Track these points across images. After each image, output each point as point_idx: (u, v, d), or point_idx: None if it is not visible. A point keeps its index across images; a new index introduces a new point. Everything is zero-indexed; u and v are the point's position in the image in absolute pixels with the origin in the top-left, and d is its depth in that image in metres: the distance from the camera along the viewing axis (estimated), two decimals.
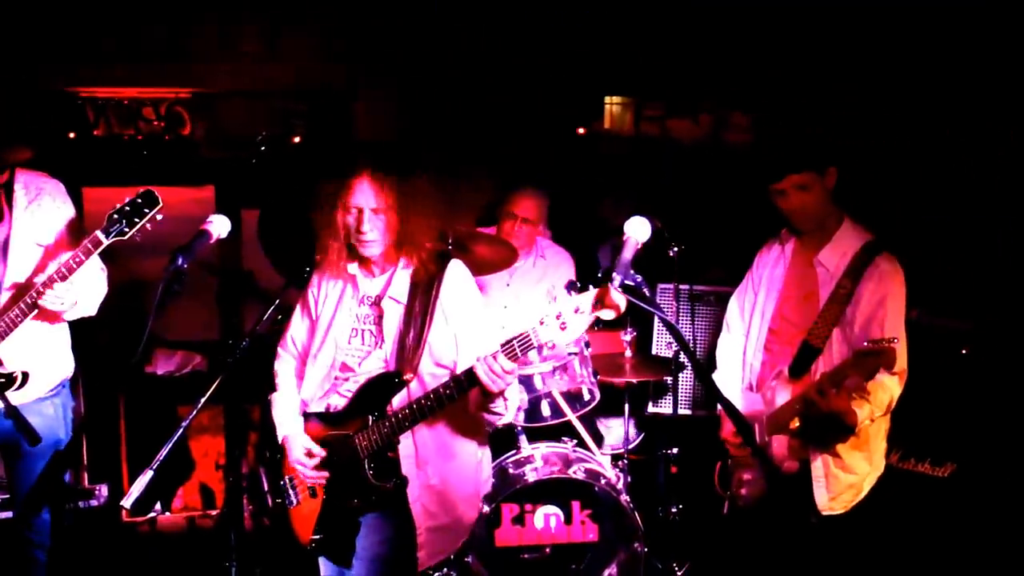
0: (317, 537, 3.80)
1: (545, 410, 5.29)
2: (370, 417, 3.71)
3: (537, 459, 5.14)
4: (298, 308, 4.09)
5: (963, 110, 5.52)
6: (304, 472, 3.83)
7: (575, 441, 5.28)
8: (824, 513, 4.12)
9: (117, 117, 6.81)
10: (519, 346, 3.39)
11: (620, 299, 3.16)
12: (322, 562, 3.93)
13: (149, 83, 6.76)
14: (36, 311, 4.25)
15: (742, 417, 3.66)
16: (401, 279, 3.83)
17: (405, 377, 3.69)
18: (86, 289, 4.39)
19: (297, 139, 7.18)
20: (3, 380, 4.02)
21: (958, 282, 5.16)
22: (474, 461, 3.98)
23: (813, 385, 3.89)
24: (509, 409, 3.76)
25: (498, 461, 5.13)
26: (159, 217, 4.15)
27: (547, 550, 5.19)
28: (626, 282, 3.14)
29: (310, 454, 3.81)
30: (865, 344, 3.74)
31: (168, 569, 5.83)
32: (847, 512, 4.13)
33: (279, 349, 4.11)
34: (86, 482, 6.19)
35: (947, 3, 5.48)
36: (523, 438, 5.23)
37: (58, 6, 6.32)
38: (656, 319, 5.53)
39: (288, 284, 4.25)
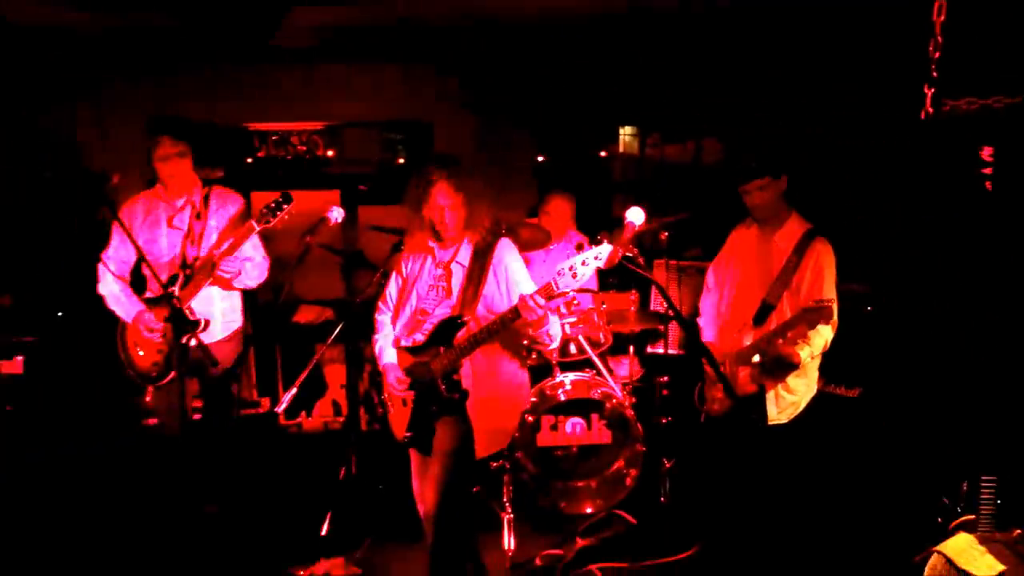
0: (408, 434, 3.86)
1: (572, 349, 5.33)
2: (441, 348, 3.75)
3: (567, 383, 5.15)
4: (393, 274, 4.12)
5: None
6: (396, 390, 3.90)
7: (594, 371, 5.30)
8: (771, 423, 4.19)
9: (273, 144, 6.87)
10: (548, 288, 3.46)
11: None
12: (412, 453, 3.99)
13: (294, 119, 6.83)
14: (212, 278, 4.37)
15: (711, 354, 3.69)
16: (465, 250, 3.86)
17: (464, 319, 3.74)
18: (249, 266, 4.49)
19: (401, 160, 7.25)
20: (194, 323, 4.10)
21: (861, 257, 5.11)
22: (515, 382, 3.96)
23: (767, 334, 4.00)
24: (553, 338, 3.76)
25: (539, 384, 5.14)
26: (293, 211, 4.27)
27: (574, 448, 5.23)
28: (625, 254, 3.17)
29: (399, 379, 3.88)
30: (811, 303, 3.81)
31: (309, 457, 5.89)
32: (789, 422, 4.20)
33: (379, 303, 4.13)
34: (256, 395, 6.34)
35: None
36: (557, 369, 5.26)
37: (231, 67, 6.39)
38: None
39: (388, 257, 4.31)
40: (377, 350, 4.04)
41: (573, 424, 5.23)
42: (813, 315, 3.80)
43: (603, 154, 7.78)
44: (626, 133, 7.89)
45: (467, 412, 3.79)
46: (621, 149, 7.89)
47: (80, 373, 4.97)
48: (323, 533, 4.66)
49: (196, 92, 6.44)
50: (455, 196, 3.75)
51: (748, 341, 4.18)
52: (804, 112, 5.75)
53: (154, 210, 4.53)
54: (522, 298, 3.49)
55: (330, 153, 7.03)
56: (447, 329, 3.78)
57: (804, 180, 4.45)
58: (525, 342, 3.87)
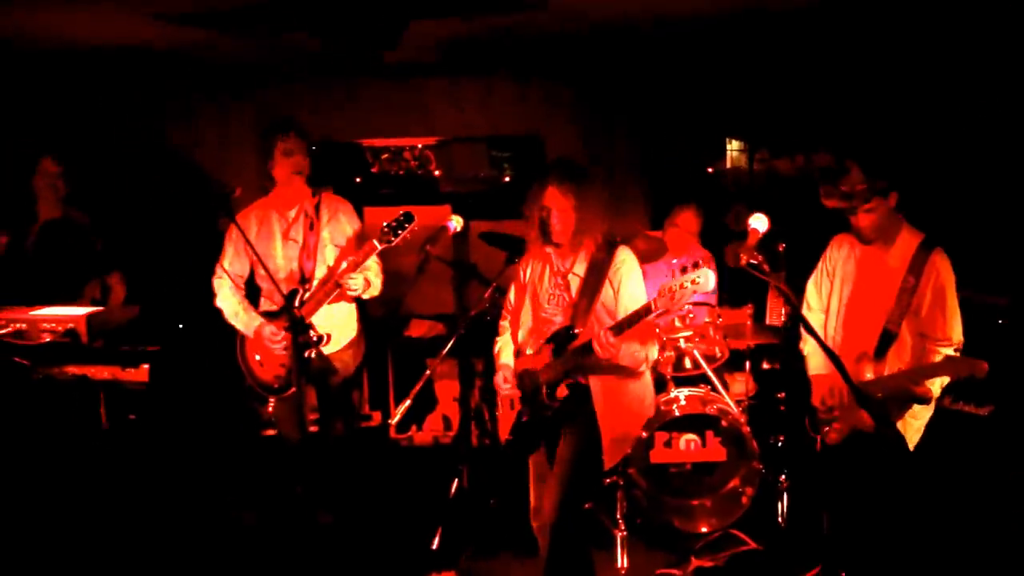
0: (509, 438, 3.89)
1: (687, 363, 5.25)
2: (552, 358, 3.78)
3: (682, 399, 5.06)
4: (513, 283, 4.16)
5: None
6: (501, 389, 3.99)
7: (709, 387, 5.20)
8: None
9: (385, 160, 6.99)
10: (627, 322, 3.48)
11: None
12: (531, 463, 4.03)
13: (406, 134, 6.93)
14: (336, 293, 4.42)
15: (843, 367, 3.36)
16: (582, 259, 3.86)
17: (576, 331, 3.75)
18: (370, 280, 4.53)
19: (507, 178, 7.27)
20: (318, 338, 4.15)
21: (996, 267, 4.86)
22: (640, 392, 3.96)
23: (902, 376, 3.74)
24: (637, 363, 3.80)
25: (653, 400, 5.08)
26: (415, 229, 4.29)
27: (688, 466, 5.11)
28: (751, 261, 3.11)
29: (505, 379, 3.97)
30: (953, 352, 3.61)
31: (420, 471, 5.94)
32: (914, 449, 3.93)
33: (504, 311, 4.20)
34: (367, 409, 6.43)
35: None
36: (671, 384, 5.17)
37: (345, 82, 6.54)
38: (768, 295, 5.45)
39: (501, 271, 4.32)
40: (496, 351, 4.13)
41: (687, 441, 5.13)
42: (960, 365, 3.53)
43: (710, 170, 7.66)
44: (733, 149, 7.77)
45: (596, 423, 3.79)
46: (728, 164, 7.76)
47: (202, 383, 5.13)
48: (434, 547, 4.66)
49: (312, 108, 6.59)
50: (564, 200, 3.76)
51: (869, 375, 3.84)
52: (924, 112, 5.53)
53: (267, 222, 4.54)
54: (595, 335, 3.51)
55: (437, 173, 7.12)
56: (559, 340, 3.81)
57: (925, 187, 4.28)
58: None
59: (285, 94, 6.62)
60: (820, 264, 4.17)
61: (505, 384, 3.98)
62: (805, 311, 4.23)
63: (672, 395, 5.09)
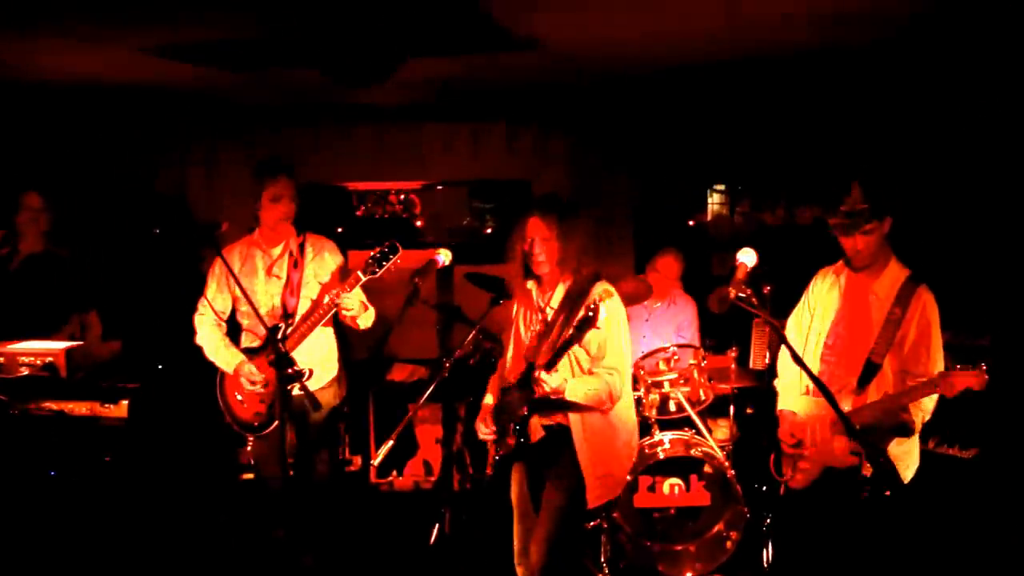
0: (490, 472, 3.88)
1: (671, 407, 5.22)
2: (526, 392, 3.69)
3: (666, 442, 5.02)
4: (510, 327, 4.10)
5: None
6: (479, 433, 3.96)
7: (693, 431, 5.18)
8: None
9: (371, 201, 7.00)
10: (554, 356, 3.55)
11: None
12: (515, 508, 3.98)
13: (391, 178, 6.95)
14: (321, 319, 4.38)
15: (831, 395, 3.30)
16: (559, 292, 3.81)
17: (535, 373, 3.62)
18: (365, 303, 4.49)
19: (489, 229, 7.28)
20: (299, 373, 4.10)
21: (977, 309, 4.89)
22: (622, 430, 3.91)
23: (887, 401, 3.65)
24: (606, 398, 3.73)
25: (636, 440, 5.04)
26: (398, 261, 4.27)
27: (672, 511, 5.05)
28: (739, 295, 3.11)
29: (483, 420, 3.94)
30: (935, 375, 3.56)
31: (400, 515, 5.86)
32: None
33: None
34: (347, 454, 6.35)
35: None
36: (655, 427, 5.15)
37: (331, 128, 6.56)
38: (752, 337, 5.46)
39: (485, 313, 4.27)
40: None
41: (671, 485, 5.08)
42: (939, 384, 3.48)
43: (691, 223, 7.71)
44: (715, 202, 7.83)
45: (578, 464, 3.73)
46: (709, 217, 7.81)
47: (180, 422, 5.06)
48: None
49: (300, 150, 6.58)
50: (547, 229, 3.72)
51: (847, 407, 3.74)
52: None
53: (251, 259, 4.53)
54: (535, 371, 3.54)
55: (419, 223, 7.12)
56: (524, 377, 3.73)
57: (909, 224, 4.31)
58: None
59: (274, 134, 6.62)
60: (803, 298, 4.14)
61: (483, 427, 3.92)
62: (784, 348, 4.10)
63: (656, 438, 5.06)
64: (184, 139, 6.75)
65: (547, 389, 3.53)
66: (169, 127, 6.53)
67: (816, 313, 4.02)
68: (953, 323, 4.85)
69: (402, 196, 6.99)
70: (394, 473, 6.34)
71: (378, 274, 4.26)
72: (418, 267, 3.92)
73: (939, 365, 3.71)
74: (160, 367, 5.03)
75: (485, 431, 3.92)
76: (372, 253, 4.27)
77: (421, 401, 4.57)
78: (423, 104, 6.34)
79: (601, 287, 3.74)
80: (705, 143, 6.90)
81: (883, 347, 3.73)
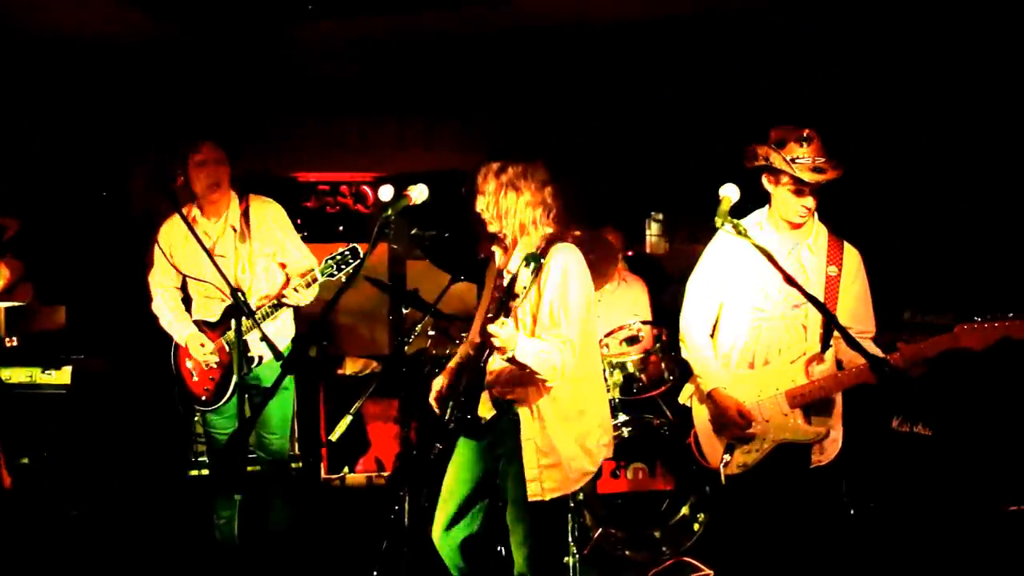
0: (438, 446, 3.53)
1: (634, 387, 5.10)
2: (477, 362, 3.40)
3: (630, 423, 4.87)
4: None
5: None
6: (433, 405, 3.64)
7: (657, 412, 5.04)
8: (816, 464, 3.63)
9: (320, 194, 6.82)
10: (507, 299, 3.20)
11: None
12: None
13: (343, 168, 6.79)
14: (281, 308, 4.26)
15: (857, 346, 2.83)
16: (517, 256, 3.43)
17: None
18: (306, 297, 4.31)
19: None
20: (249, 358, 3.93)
21: (939, 286, 4.89)
22: (581, 414, 3.50)
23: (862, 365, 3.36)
24: (556, 366, 3.26)
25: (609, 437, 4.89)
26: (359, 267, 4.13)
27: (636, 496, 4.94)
28: (727, 224, 3.04)
29: (441, 388, 3.64)
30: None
31: (352, 512, 5.67)
32: (831, 463, 3.67)
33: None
34: (296, 450, 6.12)
35: None
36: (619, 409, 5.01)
37: (284, 115, 6.40)
38: None
39: (441, 295, 4.09)
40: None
41: (635, 469, 4.98)
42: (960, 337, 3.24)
43: (630, 253, 7.61)
44: (652, 233, 7.79)
45: (520, 446, 3.41)
46: (648, 250, 7.76)
47: (127, 395, 4.83)
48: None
49: (249, 140, 6.35)
50: (491, 181, 3.37)
51: (808, 374, 3.51)
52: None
53: (190, 238, 4.15)
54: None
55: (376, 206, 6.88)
56: (480, 351, 3.39)
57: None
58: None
59: (222, 122, 6.41)
60: (706, 264, 3.76)
61: (435, 392, 3.63)
62: (692, 317, 3.77)
63: (620, 420, 4.94)
64: (129, 126, 6.49)
65: (496, 344, 3.14)
66: (115, 112, 6.28)
67: (729, 277, 3.67)
68: (914, 301, 4.89)
69: (354, 188, 6.83)
70: (346, 469, 6.12)
71: (336, 277, 4.14)
72: (389, 200, 3.60)
73: (872, 318, 3.62)
74: (111, 334, 4.75)
75: (435, 393, 3.64)
76: (332, 255, 4.15)
77: (371, 389, 4.49)
78: (376, 92, 6.23)
79: (561, 249, 3.38)
80: (642, 174, 6.79)
81: (832, 306, 3.52)
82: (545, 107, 6.18)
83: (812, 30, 5.28)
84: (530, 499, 3.36)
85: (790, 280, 2.95)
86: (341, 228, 6.79)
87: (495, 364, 3.40)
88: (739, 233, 3.02)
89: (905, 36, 5.14)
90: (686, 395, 3.88)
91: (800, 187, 3.46)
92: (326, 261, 4.15)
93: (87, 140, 6.03)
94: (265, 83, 6.05)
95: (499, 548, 4.37)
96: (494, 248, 3.58)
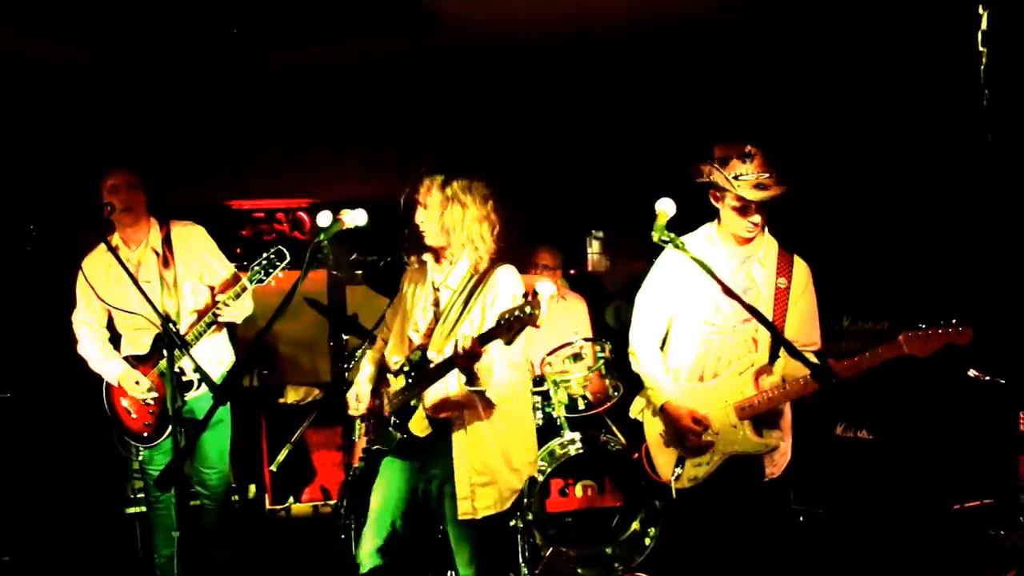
0: (357, 466, 3.58)
1: (580, 405, 5.06)
2: (407, 380, 3.36)
3: (577, 441, 4.84)
4: (395, 301, 3.74)
5: None
6: (350, 408, 3.57)
7: (604, 429, 5.03)
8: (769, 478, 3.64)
9: (255, 221, 6.68)
10: (490, 332, 3.00)
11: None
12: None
13: (278, 196, 6.68)
14: (215, 327, 4.19)
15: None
16: (458, 271, 3.42)
17: (429, 354, 3.31)
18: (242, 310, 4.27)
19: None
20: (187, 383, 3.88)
21: (876, 293, 4.95)
22: (511, 434, 3.49)
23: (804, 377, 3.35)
24: (491, 386, 3.21)
25: (547, 445, 4.86)
26: (286, 269, 4.10)
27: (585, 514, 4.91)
28: (663, 239, 3.06)
29: (357, 398, 3.54)
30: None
31: (300, 542, 5.55)
32: (782, 474, 3.69)
33: (378, 332, 3.81)
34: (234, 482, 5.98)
35: None
36: (565, 427, 4.98)
37: (213, 147, 6.25)
38: None
39: (379, 322, 4.04)
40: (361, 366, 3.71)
41: (584, 487, 4.97)
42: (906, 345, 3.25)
43: (572, 272, 7.61)
44: (593, 252, 7.77)
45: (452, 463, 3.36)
46: (590, 268, 7.75)
47: (57, 435, 4.67)
48: None
49: (184, 169, 6.21)
50: (435, 194, 3.32)
51: (751, 390, 3.51)
52: None
53: (114, 267, 4.13)
54: (457, 337, 3.05)
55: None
56: (413, 364, 3.38)
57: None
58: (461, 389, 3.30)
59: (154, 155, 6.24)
60: (654, 279, 3.76)
61: (356, 403, 3.53)
62: (641, 330, 3.76)
63: (566, 438, 4.90)
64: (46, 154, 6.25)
65: (470, 360, 3.03)
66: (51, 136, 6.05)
67: (679, 292, 3.66)
68: (852, 308, 4.95)
69: (290, 216, 6.72)
70: (291, 500, 5.99)
71: (265, 282, 4.10)
72: (323, 226, 3.49)
73: (818, 333, 3.66)
74: (36, 373, 4.61)
75: (356, 405, 3.54)
76: (258, 259, 4.13)
77: (312, 416, 4.42)
78: (312, 119, 6.15)
79: (505, 270, 3.39)
80: (584, 192, 6.78)
81: (781, 319, 3.56)
82: (484, 128, 6.15)
83: (751, 45, 5.35)
84: (461, 518, 3.34)
85: (729, 292, 2.97)
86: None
87: (439, 384, 3.34)
88: (676, 247, 3.04)
89: (844, 41, 5.19)
90: (637, 409, 3.87)
91: (745, 203, 3.48)
92: (252, 268, 4.11)
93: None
94: (195, 111, 5.92)
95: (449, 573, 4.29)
96: (425, 258, 3.51)
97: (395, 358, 3.51)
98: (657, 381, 3.70)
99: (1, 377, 4.09)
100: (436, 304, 3.46)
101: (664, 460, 3.72)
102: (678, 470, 3.65)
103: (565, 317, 5.50)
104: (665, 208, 3.18)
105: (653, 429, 3.76)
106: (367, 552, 3.46)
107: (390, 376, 3.52)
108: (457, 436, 3.36)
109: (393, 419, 3.40)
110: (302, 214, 6.68)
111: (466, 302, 3.36)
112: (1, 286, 5.08)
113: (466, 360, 3.04)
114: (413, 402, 3.34)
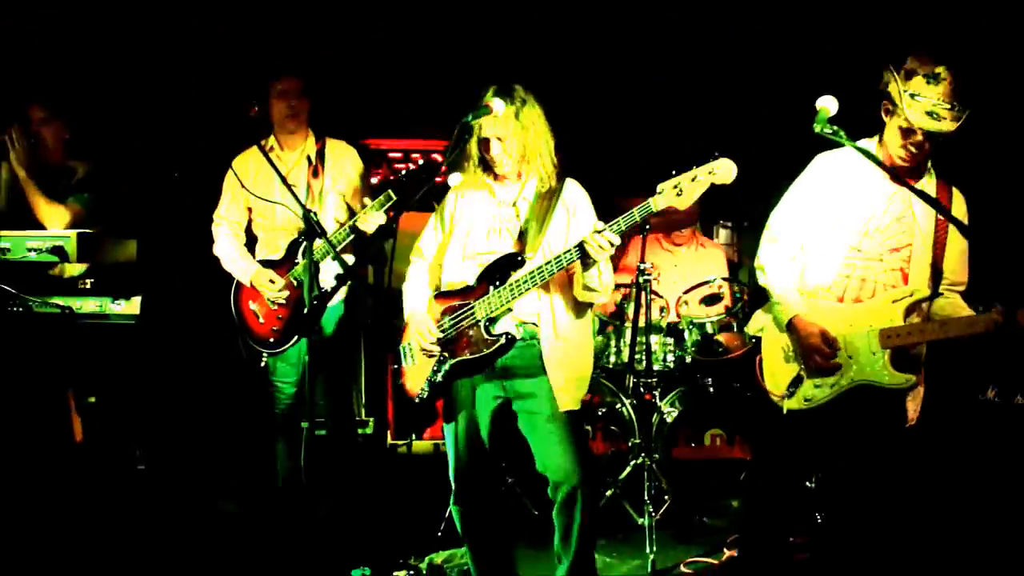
0: (423, 390, 3.45)
1: (718, 349, 4.85)
2: (491, 287, 3.29)
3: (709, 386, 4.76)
4: (430, 222, 3.62)
5: None
6: (420, 340, 3.41)
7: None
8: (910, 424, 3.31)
9: (393, 161, 6.70)
10: (624, 222, 3.09)
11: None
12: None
13: (415, 136, 6.68)
14: (352, 236, 4.11)
15: None
16: (529, 188, 3.44)
17: (522, 257, 3.30)
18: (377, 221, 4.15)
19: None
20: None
21: None
22: (587, 333, 3.54)
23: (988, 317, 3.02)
24: (604, 287, 3.27)
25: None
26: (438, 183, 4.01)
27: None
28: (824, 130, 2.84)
29: (429, 329, 3.39)
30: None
31: (418, 478, 5.53)
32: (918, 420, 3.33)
33: (411, 256, 3.65)
34: (363, 414, 6.03)
35: None
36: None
37: (352, 86, 6.29)
38: None
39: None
40: (404, 298, 3.59)
41: (713, 436, 4.79)
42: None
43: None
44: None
45: (543, 363, 3.34)
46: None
47: (192, 330, 4.80)
48: (439, 533, 4.45)
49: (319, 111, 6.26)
50: (513, 112, 3.30)
51: (900, 320, 3.17)
52: None
53: (265, 167, 4.19)
54: (586, 238, 3.09)
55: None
56: (502, 267, 3.32)
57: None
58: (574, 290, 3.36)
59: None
60: (803, 190, 3.40)
61: (428, 336, 3.38)
62: (770, 244, 3.44)
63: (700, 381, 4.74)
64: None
65: (606, 253, 3.10)
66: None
67: (826, 207, 3.32)
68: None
69: (426, 157, 6.71)
70: (412, 436, 6.00)
71: (407, 193, 3.96)
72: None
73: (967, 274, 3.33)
74: (177, 270, 4.74)
75: (430, 337, 3.39)
76: (403, 171, 4.12)
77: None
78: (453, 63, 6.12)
79: (574, 184, 3.47)
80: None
81: (940, 253, 3.24)
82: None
83: None
84: (562, 409, 3.33)
85: (897, 178, 2.70)
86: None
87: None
88: (838, 138, 2.78)
89: None
90: (756, 326, 3.54)
91: (911, 128, 3.10)
92: (400, 177, 4.08)
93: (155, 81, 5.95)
94: (334, 49, 5.96)
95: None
96: (489, 181, 3.48)
97: (469, 277, 3.42)
98: (787, 296, 3.36)
99: (146, 273, 4.13)
100: (515, 218, 3.45)
101: (780, 376, 3.37)
102: (792, 388, 3.32)
103: (703, 261, 5.35)
104: (827, 104, 2.92)
105: (774, 344, 3.41)
106: (462, 489, 3.58)
107: (444, 295, 3.45)
108: (545, 336, 3.35)
109: (485, 324, 3.32)
110: (436, 156, 6.65)
111: (546, 213, 3.39)
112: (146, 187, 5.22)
113: (600, 253, 3.12)
114: (501, 309, 3.29)
